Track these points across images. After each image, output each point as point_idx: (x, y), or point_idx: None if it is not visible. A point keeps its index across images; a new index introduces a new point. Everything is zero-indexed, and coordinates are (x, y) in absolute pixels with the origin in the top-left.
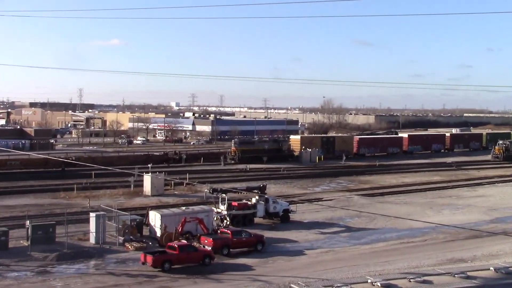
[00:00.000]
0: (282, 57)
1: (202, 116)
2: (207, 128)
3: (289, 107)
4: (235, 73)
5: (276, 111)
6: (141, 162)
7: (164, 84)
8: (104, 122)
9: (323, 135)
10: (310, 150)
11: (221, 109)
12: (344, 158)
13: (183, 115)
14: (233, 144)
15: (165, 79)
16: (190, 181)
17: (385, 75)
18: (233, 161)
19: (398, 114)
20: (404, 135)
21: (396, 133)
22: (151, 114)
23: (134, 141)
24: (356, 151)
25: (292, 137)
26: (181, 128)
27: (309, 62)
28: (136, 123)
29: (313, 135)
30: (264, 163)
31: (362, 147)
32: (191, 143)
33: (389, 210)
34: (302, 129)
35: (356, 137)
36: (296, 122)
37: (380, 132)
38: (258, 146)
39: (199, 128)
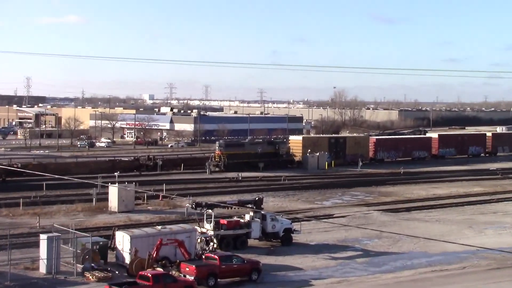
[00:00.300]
0: (282, 38)
1: (182, 111)
2: (188, 127)
3: (291, 101)
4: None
5: (275, 105)
6: (105, 170)
7: (134, 72)
8: (58, 120)
9: (330, 135)
10: (318, 154)
11: (206, 103)
12: (360, 163)
13: (158, 110)
14: (217, 147)
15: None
16: (167, 194)
17: (411, 60)
18: (217, 169)
19: (428, 108)
20: (434, 135)
21: (424, 133)
22: (118, 110)
23: (97, 144)
24: (373, 155)
25: (291, 138)
26: (156, 127)
27: (315, 44)
28: (99, 121)
29: (318, 135)
30: (259, 171)
31: (380, 151)
32: (169, 145)
33: (418, 230)
34: (307, 127)
35: (373, 138)
36: (300, 119)
37: (405, 131)
38: (249, 150)
39: (178, 126)
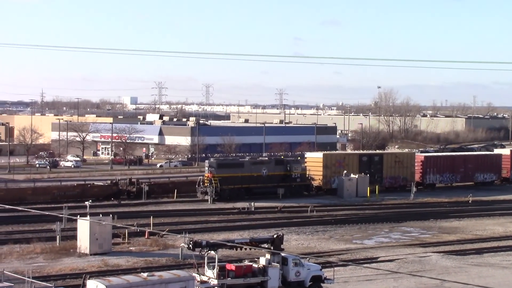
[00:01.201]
0: (307, 21)
1: (175, 120)
2: (183, 140)
3: (321, 105)
4: (228, 49)
5: (299, 111)
6: (73, 198)
7: (111, 68)
8: (9, 131)
9: (362, 152)
10: (357, 176)
11: (208, 108)
12: (414, 190)
13: (144, 118)
14: (207, 168)
15: (114, 58)
16: (155, 230)
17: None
18: (206, 197)
19: (506, 115)
20: (505, 151)
21: (500, 147)
22: (90, 117)
23: (62, 163)
24: (420, 179)
25: (308, 155)
26: (140, 141)
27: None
28: (65, 133)
29: (345, 151)
30: (270, 200)
31: (430, 172)
32: (158, 165)
33: (493, 279)
34: (342, 140)
35: (420, 155)
36: (332, 130)
37: (475, 146)
38: (250, 171)
39: (170, 140)
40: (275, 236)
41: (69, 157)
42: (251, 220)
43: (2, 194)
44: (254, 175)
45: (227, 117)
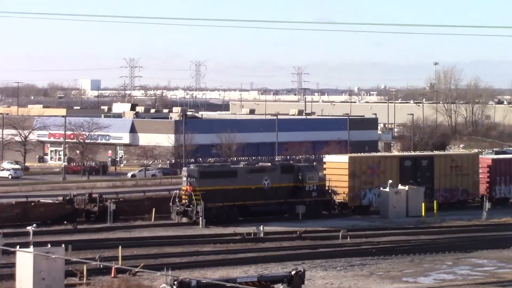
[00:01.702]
0: None
1: (154, 111)
2: (165, 139)
3: (355, 89)
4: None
5: (325, 98)
6: (10, 222)
7: (65, 40)
8: None
9: (403, 153)
10: (407, 188)
11: (198, 95)
12: (488, 206)
13: (109, 109)
14: (184, 178)
15: (67, 27)
16: (125, 265)
17: None
18: (184, 219)
19: None
20: None
21: None
22: (35, 109)
23: None
24: (487, 191)
25: (328, 159)
26: (105, 141)
27: None
28: (1, 130)
29: (381, 154)
30: (279, 220)
31: (501, 182)
32: (129, 174)
33: None
34: (387, 137)
35: (485, 158)
36: (372, 123)
37: None
38: (246, 182)
39: (146, 139)
40: (293, 272)
41: (5, 164)
42: (259, 251)
43: None
44: (252, 187)
45: (225, 106)
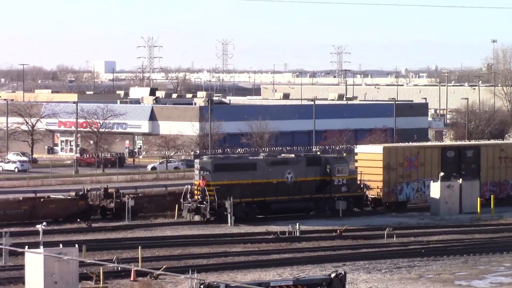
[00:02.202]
0: None
1: (176, 96)
2: (189, 128)
3: (403, 70)
4: None
5: (368, 80)
6: (17, 220)
7: (76, 18)
8: None
9: (447, 143)
10: (460, 182)
11: (225, 77)
12: None
13: (126, 94)
14: (197, 171)
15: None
16: (146, 268)
17: None
18: (197, 216)
19: None
20: None
21: None
22: (43, 94)
23: (0, 165)
24: None
25: (360, 150)
26: (121, 130)
27: None
28: (4, 118)
29: (423, 143)
30: (314, 217)
31: None
32: (149, 167)
33: None
34: (438, 125)
35: None
36: (422, 109)
37: None
38: (266, 176)
39: (168, 127)
40: (333, 275)
41: (10, 156)
42: (295, 251)
43: None
44: (273, 181)
45: (256, 91)
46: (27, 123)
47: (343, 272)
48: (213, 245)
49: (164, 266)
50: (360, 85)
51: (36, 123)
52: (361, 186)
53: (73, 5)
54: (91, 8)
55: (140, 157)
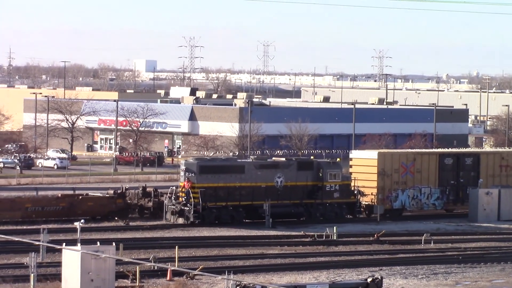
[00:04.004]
0: None
1: (217, 96)
2: (228, 129)
3: (444, 76)
4: None
5: (409, 85)
6: (56, 217)
7: (117, 15)
8: None
9: (446, 150)
10: (498, 190)
11: (266, 79)
12: None
13: (166, 93)
14: (182, 173)
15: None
16: (183, 268)
17: None
18: (181, 219)
19: None
20: None
21: None
22: (83, 91)
23: (39, 162)
24: None
25: (355, 155)
26: (161, 129)
27: None
28: (44, 114)
29: (417, 150)
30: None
31: None
32: None
33: None
34: (478, 131)
35: None
36: (462, 115)
37: None
38: (255, 179)
39: (207, 127)
40: (369, 280)
41: (50, 153)
42: (331, 255)
43: None
44: (262, 185)
45: (296, 93)
46: (67, 120)
47: (379, 277)
48: (250, 246)
49: (200, 267)
50: (401, 89)
51: (76, 120)
52: (355, 192)
53: (116, 3)
54: (133, 7)
55: (179, 156)
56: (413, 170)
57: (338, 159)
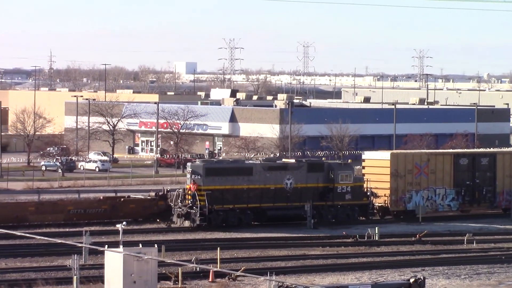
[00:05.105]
0: None
1: (257, 98)
2: (268, 130)
3: (485, 75)
4: None
5: (450, 85)
6: (98, 219)
7: (157, 18)
8: (1, 114)
9: (461, 150)
10: None
11: (306, 80)
12: None
13: (207, 95)
14: (188, 175)
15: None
16: (225, 269)
17: None
18: (187, 222)
19: None
20: None
21: None
22: (124, 94)
23: (81, 164)
24: None
25: (368, 156)
26: (202, 131)
27: None
28: (85, 117)
29: (431, 150)
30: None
31: None
32: None
33: None
34: None
35: None
36: (504, 115)
37: None
38: (263, 181)
39: (248, 129)
40: (411, 280)
41: (92, 155)
42: (373, 255)
43: None
44: (271, 187)
45: (336, 94)
46: (108, 123)
47: (422, 277)
48: (292, 247)
49: (242, 268)
50: (442, 89)
51: (117, 123)
52: (368, 193)
53: (156, 5)
54: (173, 10)
55: (220, 157)
56: (427, 171)
57: (349, 160)
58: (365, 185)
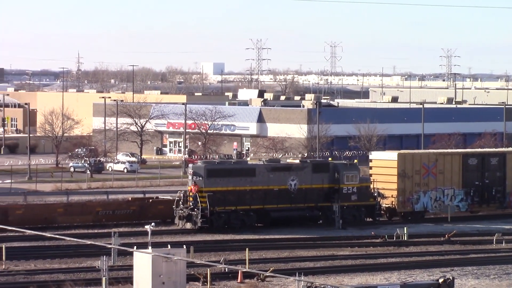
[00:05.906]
0: None
1: (285, 98)
2: (296, 131)
3: None
4: None
5: (478, 84)
6: (126, 220)
7: (184, 18)
8: (30, 116)
9: (470, 150)
10: None
11: (334, 80)
12: None
13: (234, 96)
14: (190, 177)
15: (186, 2)
16: (254, 269)
17: None
18: (188, 224)
19: None
20: None
21: None
22: (152, 95)
23: (109, 165)
24: None
25: (375, 156)
26: (230, 131)
27: None
28: (113, 118)
29: (438, 150)
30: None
31: None
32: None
33: None
34: None
35: None
36: None
37: None
38: (267, 182)
39: (276, 129)
40: (440, 280)
41: (120, 157)
42: (402, 256)
43: (19, 213)
44: (275, 189)
45: (364, 93)
46: (136, 124)
47: (451, 277)
48: (320, 248)
49: (271, 268)
50: (470, 88)
51: (145, 124)
52: (375, 194)
53: (183, 6)
54: (201, 10)
55: (248, 158)
56: (435, 171)
57: (355, 161)
58: (372, 186)
